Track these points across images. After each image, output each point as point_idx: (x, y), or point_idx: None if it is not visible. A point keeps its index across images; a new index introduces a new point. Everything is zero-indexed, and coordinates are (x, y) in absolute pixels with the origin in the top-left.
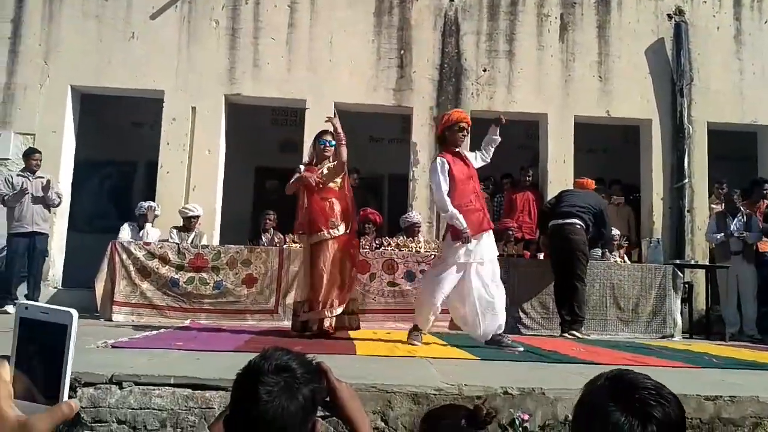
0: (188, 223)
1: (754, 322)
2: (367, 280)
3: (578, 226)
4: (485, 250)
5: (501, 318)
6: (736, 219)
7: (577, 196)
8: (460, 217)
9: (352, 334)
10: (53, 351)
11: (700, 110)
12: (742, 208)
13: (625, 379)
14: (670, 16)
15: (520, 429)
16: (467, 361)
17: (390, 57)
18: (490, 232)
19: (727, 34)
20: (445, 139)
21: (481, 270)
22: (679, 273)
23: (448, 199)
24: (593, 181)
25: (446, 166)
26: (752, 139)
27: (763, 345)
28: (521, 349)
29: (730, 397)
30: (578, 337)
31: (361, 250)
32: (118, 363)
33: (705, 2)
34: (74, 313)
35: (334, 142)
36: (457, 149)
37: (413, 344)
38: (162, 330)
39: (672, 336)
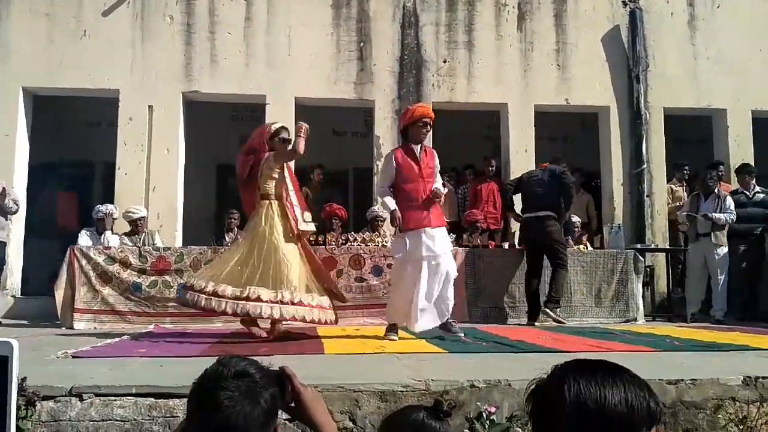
0: (135, 227)
1: (724, 303)
2: (334, 276)
3: (551, 218)
4: (432, 245)
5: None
6: (708, 200)
7: (538, 181)
8: (390, 202)
9: (321, 331)
10: None
11: (657, 96)
12: (716, 190)
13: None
14: (624, 3)
15: (487, 422)
16: (436, 355)
17: (349, 50)
18: (439, 229)
19: (680, 19)
20: (407, 135)
21: (432, 265)
22: (640, 257)
23: (383, 190)
24: None
25: (392, 162)
26: (708, 123)
27: (723, 326)
28: (462, 334)
29: (691, 380)
30: (551, 316)
31: (327, 246)
32: (78, 374)
33: None
34: (14, 343)
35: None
36: (417, 145)
37: (391, 339)
38: (125, 337)
39: (635, 319)
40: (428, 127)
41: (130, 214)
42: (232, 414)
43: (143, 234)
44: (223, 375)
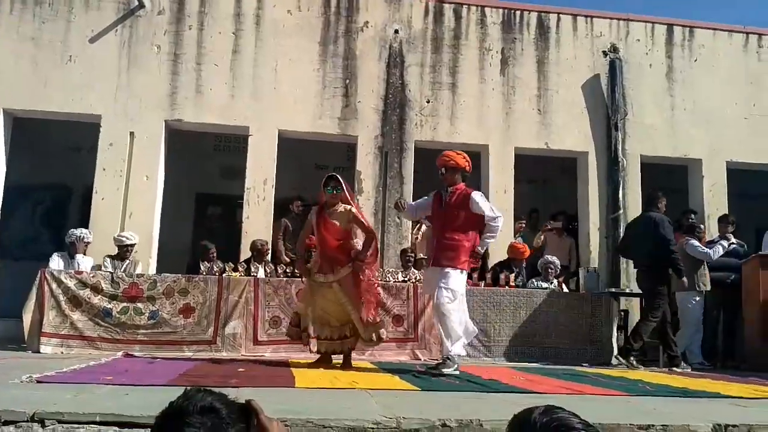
0: (124, 252)
1: (699, 349)
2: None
3: (650, 269)
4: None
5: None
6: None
7: (635, 234)
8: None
9: (293, 363)
10: None
11: (634, 144)
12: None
13: (556, 421)
14: (605, 53)
15: None
16: (408, 392)
17: (335, 86)
18: (433, 269)
19: (659, 71)
20: None
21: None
22: (615, 301)
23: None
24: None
25: (426, 199)
26: (683, 172)
27: (696, 373)
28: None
29: (662, 426)
30: (622, 363)
31: (303, 279)
32: (42, 399)
33: (638, 40)
34: None
35: (340, 190)
36: (448, 188)
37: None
38: (92, 363)
39: (609, 363)
40: (441, 173)
41: (122, 239)
42: None
43: (127, 261)
44: (188, 410)
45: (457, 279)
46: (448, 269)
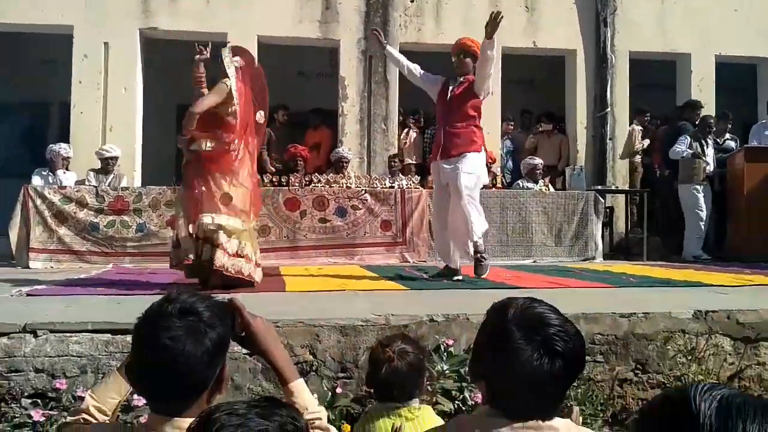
0: (106, 165)
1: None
2: (298, 217)
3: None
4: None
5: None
6: (710, 145)
7: None
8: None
9: (283, 270)
10: None
11: (623, 40)
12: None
13: (533, 315)
14: None
15: (445, 354)
16: (397, 291)
17: None
18: (445, 160)
19: None
20: None
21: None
22: (601, 198)
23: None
24: None
25: (428, 76)
26: (672, 68)
27: (677, 264)
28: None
29: (643, 313)
30: None
31: (290, 188)
32: (33, 311)
33: None
34: None
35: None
36: (459, 77)
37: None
38: (82, 276)
39: (594, 258)
40: (454, 60)
41: (103, 152)
42: (174, 354)
43: (112, 175)
44: (167, 312)
45: (477, 162)
46: (465, 153)
